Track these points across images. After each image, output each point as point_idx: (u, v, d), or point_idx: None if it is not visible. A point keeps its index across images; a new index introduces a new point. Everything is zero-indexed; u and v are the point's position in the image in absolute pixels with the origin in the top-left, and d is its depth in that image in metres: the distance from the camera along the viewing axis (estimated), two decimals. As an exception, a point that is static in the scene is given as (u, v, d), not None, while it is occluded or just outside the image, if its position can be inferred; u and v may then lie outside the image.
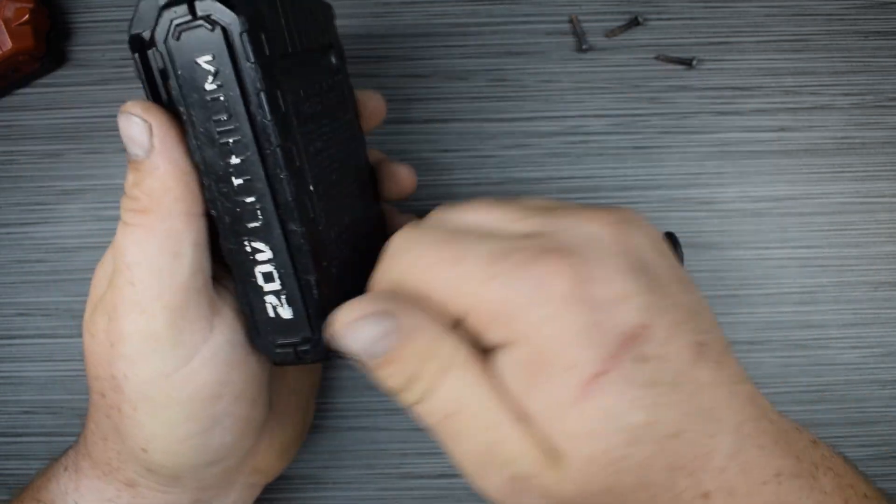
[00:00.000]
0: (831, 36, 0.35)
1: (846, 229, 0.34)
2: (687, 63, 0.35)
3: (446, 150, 0.35)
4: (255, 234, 0.21)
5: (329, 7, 0.26)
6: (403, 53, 0.35)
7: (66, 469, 0.25)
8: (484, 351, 0.20)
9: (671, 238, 0.25)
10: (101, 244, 0.35)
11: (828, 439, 0.34)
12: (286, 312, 0.22)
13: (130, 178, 0.21)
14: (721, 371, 0.19)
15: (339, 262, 0.23)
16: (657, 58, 0.35)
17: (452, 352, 0.19)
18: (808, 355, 0.34)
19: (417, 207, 0.34)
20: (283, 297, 0.21)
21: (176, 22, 0.19)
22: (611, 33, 0.35)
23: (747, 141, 0.35)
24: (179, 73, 0.19)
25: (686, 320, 0.19)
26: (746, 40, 0.35)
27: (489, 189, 0.35)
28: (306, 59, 0.22)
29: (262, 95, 0.19)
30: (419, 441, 0.34)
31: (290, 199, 0.20)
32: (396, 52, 0.35)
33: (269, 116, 0.19)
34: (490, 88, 0.35)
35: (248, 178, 0.20)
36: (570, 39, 0.36)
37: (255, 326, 0.22)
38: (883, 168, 0.34)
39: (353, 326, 0.19)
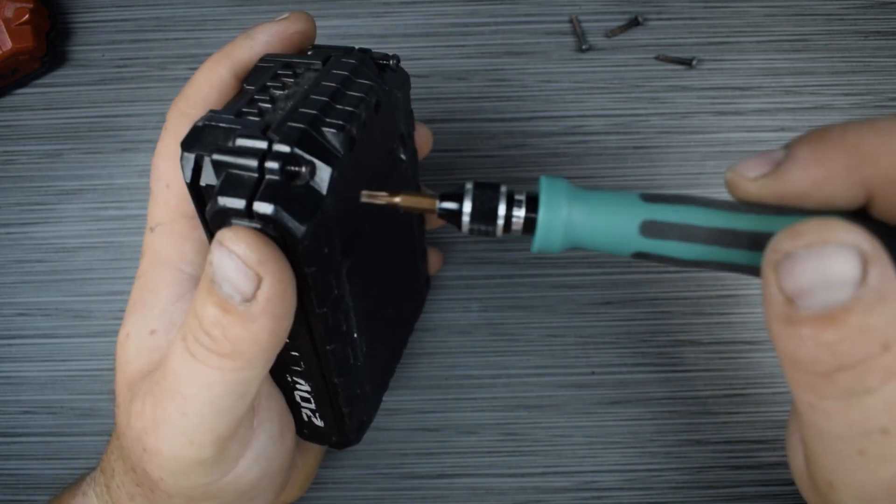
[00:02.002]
0: (831, 36, 0.35)
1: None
2: (687, 63, 0.35)
3: (446, 150, 0.35)
4: (298, 374, 0.22)
5: (405, 79, 0.23)
6: (403, 53, 0.35)
7: None
8: None
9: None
10: (100, 244, 0.35)
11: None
12: (319, 422, 0.23)
13: (211, 312, 0.17)
14: None
15: (378, 366, 0.24)
16: (657, 58, 0.35)
17: None
18: (808, 355, 0.34)
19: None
20: (317, 414, 0.23)
21: (231, 218, 0.17)
22: (611, 33, 0.35)
23: (747, 141, 0.35)
24: None
25: None
26: (746, 40, 0.35)
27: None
28: (371, 185, 0.20)
29: (315, 291, 0.18)
30: (419, 441, 0.34)
31: (335, 359, 0.21)
32: (396, 52, 0.35)
33: (321, 307, 0.19)
34: (490, 88, 0.35)
35: (297, 341, 0.20)
36: (570, 39, 0.36)
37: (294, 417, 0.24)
38: (883, 168, 0.34)
39: (815, 252, 0.14)
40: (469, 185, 0.18)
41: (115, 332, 0.34)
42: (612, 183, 0.35)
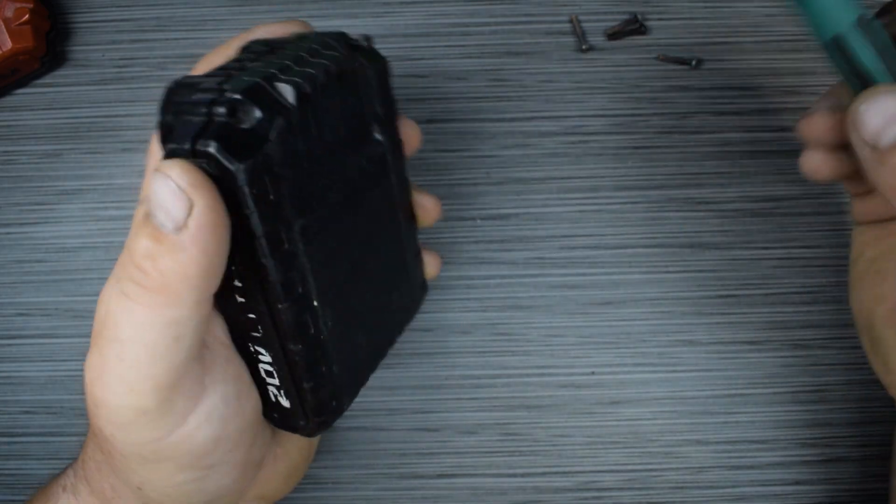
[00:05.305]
0: (831, 36, 0.35)
1: (846, 229, 0.34)
2: (687, 63, 0.35)
3: (446, 150, 0.35)
4: (258, 342, 0.21)
5: (383, 64, 0.23)
6: (403, 53, 0.35)
7: (64, 489, 0.25)
8: None
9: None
10: (100, 244, 0.35)
11: (828, 439, 0.34)
12: (285, 402, 0.23)
13: (144, 244, 0.17)
14: None
15: (350, 349, 0.23)
16: (657, 58, 0.35)
17: None
18: (808, 355, 0.34)
19: (417, 207, 0.34)
20: (282, 391, 0.22)
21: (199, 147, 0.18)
22: (611, 32, 0.35)
23: (747, 141, 0.35)
24: None
25: None
26: (746, 40, 0.35)
27: (489, 189, 0.35)
28: (334, 152, 0.21)
29: (262, 241, 0.18)
30: (418, 441, 0.34)
31: (289, 322, 0.20)
32: (396, 52, 0.35)
33: (270, 259, 0.19)
34: (490, 88, 0.35)
35: (251, 301, 0.20)
36: (570, 39, 0.36)
37: (261, 399, 0.23)
38: (883, 168, 0.34)
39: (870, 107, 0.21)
40: None
41: (115, 332, 0.35)
42: (613, 182, 0.35)
